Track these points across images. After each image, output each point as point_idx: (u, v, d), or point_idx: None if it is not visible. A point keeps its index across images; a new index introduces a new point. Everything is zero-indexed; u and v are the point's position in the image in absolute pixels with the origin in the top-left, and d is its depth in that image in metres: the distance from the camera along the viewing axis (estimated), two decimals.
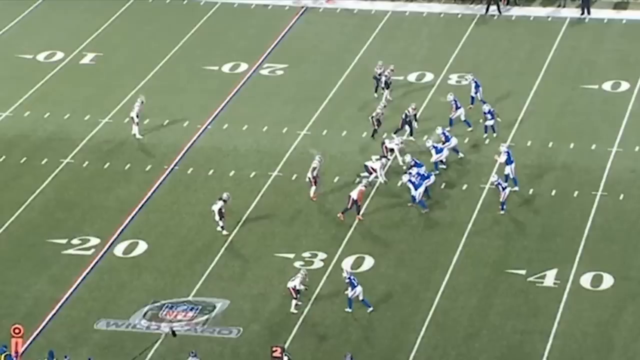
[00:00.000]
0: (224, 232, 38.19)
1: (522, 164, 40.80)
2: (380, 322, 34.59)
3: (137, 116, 43.37)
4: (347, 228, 38.39)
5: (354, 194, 38.38)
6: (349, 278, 34.56)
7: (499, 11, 52.31)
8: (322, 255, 37.28)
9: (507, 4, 52.66)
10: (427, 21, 52.23)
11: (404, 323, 34.48)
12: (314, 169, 39.56)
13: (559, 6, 52.47)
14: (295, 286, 34.60)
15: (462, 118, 42.92)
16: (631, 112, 44.61)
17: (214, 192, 40.37)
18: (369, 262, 37.08)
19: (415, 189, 38.74)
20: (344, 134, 43.47)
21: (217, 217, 38.02)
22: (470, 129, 42.65)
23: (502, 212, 38.58)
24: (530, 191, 39.86)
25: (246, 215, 39.31)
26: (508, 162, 39.50)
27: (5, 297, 35.82)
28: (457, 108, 42.82)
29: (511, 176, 39.46)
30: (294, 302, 34.82)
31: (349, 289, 34.43)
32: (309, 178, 39.61)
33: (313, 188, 39.73)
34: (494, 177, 38.97)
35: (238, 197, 39.82)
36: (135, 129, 43.50)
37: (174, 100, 46.10)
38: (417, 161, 39.78)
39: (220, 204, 38.05)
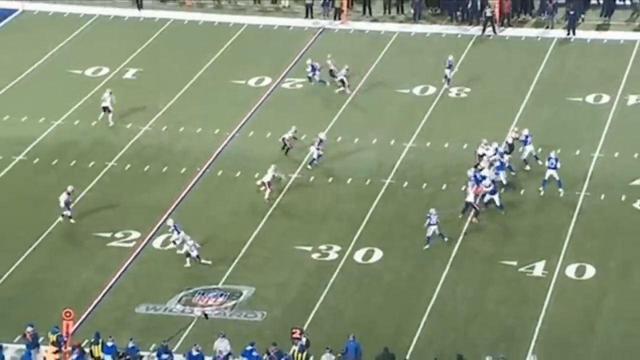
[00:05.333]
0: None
1: (516, 167, 40.63)
2: (387, 308, 34.50)
3: (109, 107, 44.40)
4: (358, 224, 38.25)
5: (470, 198, 37.80)
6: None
7: (494, 32, 52.14)
8: (336, 247, 37.18)
9: (502, 25, 52.45)
10: (430, 40, 52.08)
11: (408, 309, 34.39)
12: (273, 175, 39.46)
13: (547, 27, 52.26)
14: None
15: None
16: (611, 121, 44.44)
17: (241, 192, 40.40)
18: (378, 255, 36.98)
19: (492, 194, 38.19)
20: (356, 141, 43.30)
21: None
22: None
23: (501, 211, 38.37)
24: (522, 192, 39.68)
25: (269, 213, 39.22)
26: (551, 167, 38.94)
27: (57, 285, 35.87)
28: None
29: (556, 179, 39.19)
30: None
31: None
32: (264, 182, 39.41)
33: (268, 191, 39.38)
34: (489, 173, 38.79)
35: (262, 197, 39.72)
36: (110, 117, 44.46)
37: (205, 111, 46.03)
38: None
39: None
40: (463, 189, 38.77)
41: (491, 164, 39.17)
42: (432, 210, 36.74)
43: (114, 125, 44.58)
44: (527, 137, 40.67)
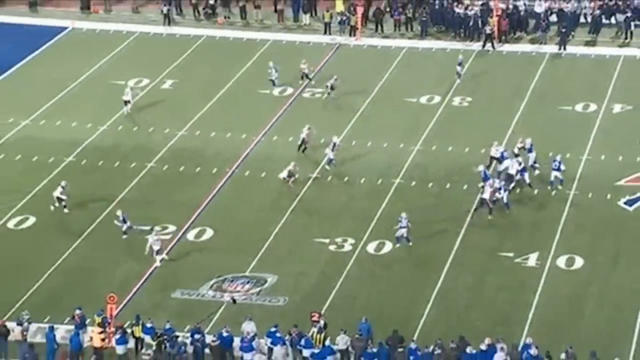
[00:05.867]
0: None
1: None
2: (396, 295, 34.51)
3: (130, 100, 45.95)
4: (371, 219, 38.27)
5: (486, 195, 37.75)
6: None
7: (493, 47, 52.04)
8: (351, 240, 37.21)
9: (500, 41, 52.35)
10: (436, 55, 52.02)
11: (415, 296, 34.38)
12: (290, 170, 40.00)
13: (541, 43, 52.13)
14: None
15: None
16: (598, 127, 44.31)
17: (265, 191, 40.45)
18: (388, 247, 36.99)
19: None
20: (369, 144, 43.30)
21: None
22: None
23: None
24: (518, 190, 39.63)
25: (291, 209, 39.28)
26: (556, 169, 38.96)
27: (102, 272, 36.02)
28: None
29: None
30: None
31: None
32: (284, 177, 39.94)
33: (291, 179, 39.95)
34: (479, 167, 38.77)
35: (284, 194, 39.82)
36: (127, 108, 45.94)
37: (234, 117, 46.09)
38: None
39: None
40: (480, 185, 38.48)
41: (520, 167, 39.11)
42: (403, 215, 36.48)
43: (130, 114, 45.95)
44: (531, 145, 40.49)
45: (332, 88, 46.95)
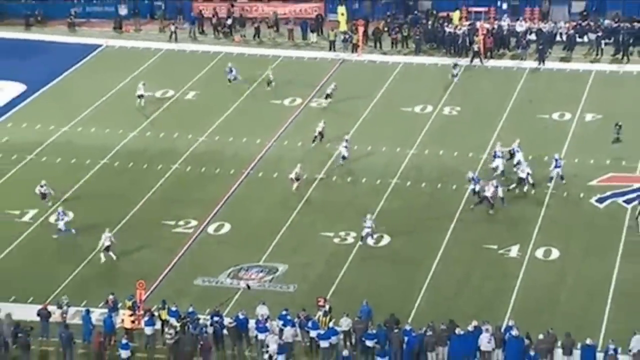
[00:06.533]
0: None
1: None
2: (393, 282, 34.33)
3: (143, 94, 46.91)
4: (371, 213, 37.94)
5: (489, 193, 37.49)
6: None
7: (481, 62, 51.78)
8: (353, 234, 37.01)
9: (486, 57, 52.10)
10: (428, 69, 51.76)
11: (410, 283, 34.22)
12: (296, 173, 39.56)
13: (521, 59, 51.85)
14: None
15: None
16: (572, 134, 44.06)
17: (277, 190, 40.26)
18: (386, 240, 36.79)
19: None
20: (369, 148, 43.09)
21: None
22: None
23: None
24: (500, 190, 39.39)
25: (300, 206, 39.10)
26: (558, 166, 38.96)
27: (132, 261, 35.93)
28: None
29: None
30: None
31: None
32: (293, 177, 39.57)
33: (295, 184, 39.50)
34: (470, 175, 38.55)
35: (293, 193, 39.62)
36: (141, 101, 46.89)
37: (250, 124, 45.85)
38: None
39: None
40: (482, 184, 37.98)
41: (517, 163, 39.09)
42: (368, 216, 36.16)
43: (144, 106, 46.80)
44: (519, 147, 40.16)
45: (329, 96, 46.84)
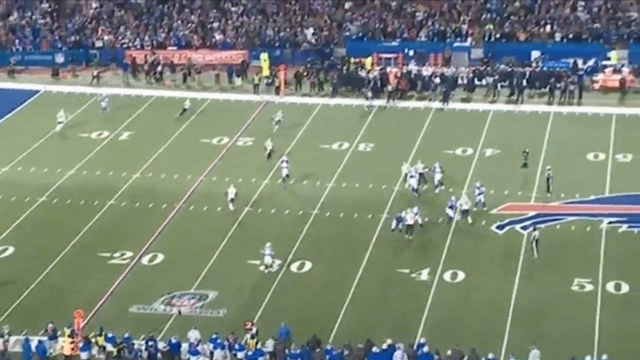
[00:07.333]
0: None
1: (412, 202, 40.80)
2: (315, 305, 34.10)
3: (64, 120, 48.07)
4: (294, 244, 38.05)
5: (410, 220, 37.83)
6: None
7: (393, 103, 52.06)
8: (278, 261, 36.87)
9: (400, 98, 52.36)
10: (344, 110, 51.97)
11: (330, 306, 34.08)
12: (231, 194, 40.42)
13: (429, 100, 52.03)
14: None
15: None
16: (474, 168, 44.33)
17: (207, 222, 40.07)
18: (308, 266, 36.64)
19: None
20: (292, 182, 43.02)
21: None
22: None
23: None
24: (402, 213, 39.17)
25: (228, 236, 38.93)
26: (480, 193, 39.59)
27: (71, 291, 35.33)
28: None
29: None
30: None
31: None
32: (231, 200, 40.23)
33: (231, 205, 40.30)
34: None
35: (222, 225, 39.41)
36: (60, 127, 48.07)
37: (181, 162, 45.59)
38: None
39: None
40: (404, 214, 38.22)
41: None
42: (268, 244, 36.13)
43: (62, 132, 47.87)
44: (439, 168, 41.50)
45: (278, 122, 48.23)
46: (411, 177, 41.70)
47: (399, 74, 53.50)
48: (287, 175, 42.55)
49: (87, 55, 58.88)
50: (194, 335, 31.52)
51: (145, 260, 37.49)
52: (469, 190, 41.66)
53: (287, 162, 42.95)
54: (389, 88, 52.45)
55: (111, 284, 35.71)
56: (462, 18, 58.73)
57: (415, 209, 38.49)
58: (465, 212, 39.30)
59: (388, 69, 54.38)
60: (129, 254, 37.76)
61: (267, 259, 36.01)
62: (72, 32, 60.48)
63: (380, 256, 37.30)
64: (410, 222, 38.02)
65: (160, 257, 37.66)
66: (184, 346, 31.27)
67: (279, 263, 36.37)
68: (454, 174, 43.51)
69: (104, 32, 60.32)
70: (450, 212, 39.22)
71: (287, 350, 30.79)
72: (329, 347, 30.91)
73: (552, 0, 59.16)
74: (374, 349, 30.55)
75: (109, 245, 38.19)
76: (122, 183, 43.63)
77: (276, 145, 46.55)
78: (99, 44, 59.58)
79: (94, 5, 62.87)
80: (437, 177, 41.88)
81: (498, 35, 57.34)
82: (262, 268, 36.14)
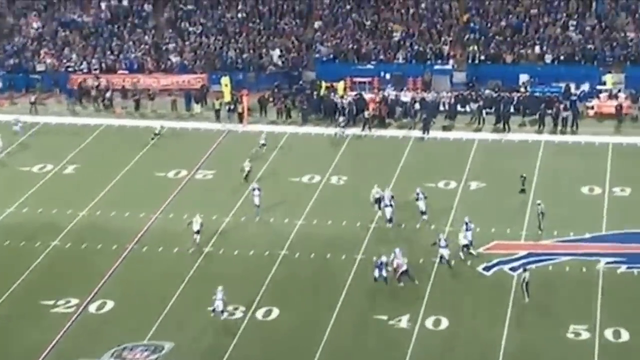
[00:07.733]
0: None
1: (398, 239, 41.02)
2: (284, 356, 34.05)
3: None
4: (259, 288, 38.09)
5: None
6: None
7: (369, 130, 52.61)
8: (242, 307, 36.88)
9: (375, 126, 53.06)
10: (314, 139, 52.45)
11: (300, 355, 34.08)
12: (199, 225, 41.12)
13: (409, 129, 52.83)
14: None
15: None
16: (458, 202, 44.76)
17: (162, 264, 40.03)
18: (276, 313, 36.70)
19: None
20: (257, 220, 43.22)
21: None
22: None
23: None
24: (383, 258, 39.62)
25: (187, 279, 38.92)
26: (468, 230, 39.99)
27: (8, 344, 35.04)
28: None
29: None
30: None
31: None
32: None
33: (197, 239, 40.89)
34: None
35: (179, 268, 39.38)
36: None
37: (133, 197, 45.63)
38: None
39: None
40: (384, 259, 38.19)
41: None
42: (220, 287, 36.09)
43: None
44: (423, 194, 42.42)
45: (264, 145, 49.48)
46: (386, 206, 41.94)
47: (377, 99, 54.02)
48: (258, 206, 42.88)
49: (28, 80, 58.91)
50: None
51: (92, 308, 37.30)
52: (453, 228, 41.95)
53: (259, 189, 43.21)
54: (366, 114, 52.91)
55: (54, 336, 35.46)
56: (443, 38, 59.52)
57: (397, 250, 38.51)
58: (466, 247, 39.66)
59: (363, 94, 54.85)
60: (74, 301, 37.56)
61: (218, 304, 35.91)
62: (10, 54, 60.53)
63: (355, 301, 37.40)
64: (403, 267, 37.76)
65: (109, 305, 37.51)
66: None
67: (234, 308, 36.25)
68: (436, 208, 43.80)
69: (47, 54, 60.42)
70: (445, 252, 39.21)
71: None
72: None
73: (542, 19, 60.08)
74: None
75: (52, 292, 37.98)
76: (67, 222, 43.47)
77: (237, 179, 46.69)
78: (40, 67, 59.63)
79: (35, 25, 62.97)
80: (421, 205, 42.10)
81: (483, 57, 58.14)
82: (211, 314, 35.94)
